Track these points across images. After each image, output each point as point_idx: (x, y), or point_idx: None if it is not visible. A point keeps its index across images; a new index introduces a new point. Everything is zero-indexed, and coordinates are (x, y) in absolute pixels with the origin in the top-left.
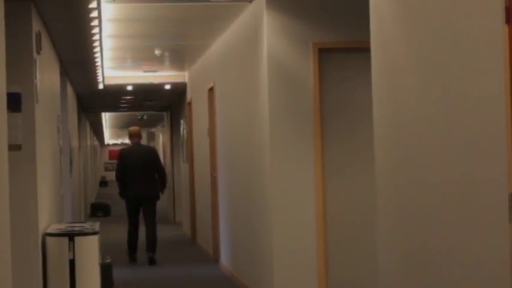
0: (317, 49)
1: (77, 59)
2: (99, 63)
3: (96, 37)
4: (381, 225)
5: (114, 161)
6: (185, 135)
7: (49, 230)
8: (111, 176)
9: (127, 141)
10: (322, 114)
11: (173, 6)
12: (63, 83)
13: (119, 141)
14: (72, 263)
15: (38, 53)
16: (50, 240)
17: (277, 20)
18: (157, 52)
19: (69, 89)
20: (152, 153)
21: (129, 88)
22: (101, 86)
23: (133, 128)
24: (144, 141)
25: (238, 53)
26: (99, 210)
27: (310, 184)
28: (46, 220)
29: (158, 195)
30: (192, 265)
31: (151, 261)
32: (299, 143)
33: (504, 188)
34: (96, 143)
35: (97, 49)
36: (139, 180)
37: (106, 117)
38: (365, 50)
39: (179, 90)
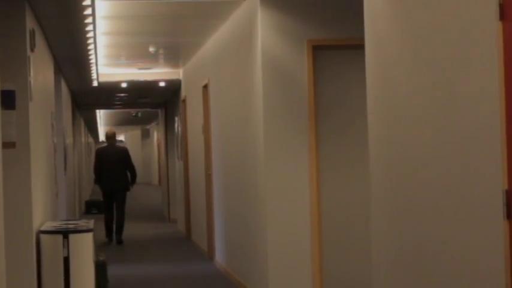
0: (311, 46)
1: (71, 56)
2: (93, 61)
3: (90, 34)
4: (375, 222)
5: None
6: (180, 133)
7: (43, 228)
8: None
9: (121, 138)
10: (317, 111)
11: (167, 4)
12: (57, 81)
13: None
14: (66, 260)
15: (32, 50)
16: (44, 237)
17: (272, 17)
18: (151, 49)
19: (63, 86)
20: (124, 153)
21: (124, 85)
22: (95, 83)
23: (109, 131)
24: (138, 138)
25: (232, 50)
26: (93, 208)
27: (304, 181)
28: (40, 217)
29: (128, 187)
30: (186, 262)
31: (119, 242)
32: (293, 139)
33: (498, 185)
34: (91, 140)
35: (91, 46)
36: (112, 174)
37: (100, 115)
38: (359, 47)
39: (174, 87)
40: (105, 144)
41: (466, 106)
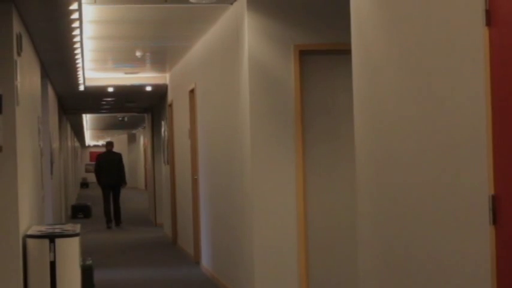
0: (298, 51)
1: (58, 60)
2: (80, 65)
3: (77, 39)
4: (362, 226)
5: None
6: (166, 137)
7: (30, 232)
8: (92, 177)
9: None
10: (303, 116)
11: (154, 8)
12: (43, 85)
13: (99, 143)
14: (52, 264)
15: (19, 54)
16: (30, 242)
17: (258, 21)
18: (138, 54)
19: (50, 91)
20: (119, 157)
21: (110, 90)
22: (81, 88)
23: (109, 141)
24: (125, 142)
25: (219, 54)
26: (79, 212)
27: (291, 185)
28: (27, 222)
29: (122, 183)
30: (173, 267)
31: (118, 224)
32: (280, 144)
33: (485, 190)
34: (77, 144)
35: (78, 51)
36: (109, 173)
37: (87, 119)
38: (346, 52)
39: (160, 91)
40: (105, 150)
41: (453, 111)
